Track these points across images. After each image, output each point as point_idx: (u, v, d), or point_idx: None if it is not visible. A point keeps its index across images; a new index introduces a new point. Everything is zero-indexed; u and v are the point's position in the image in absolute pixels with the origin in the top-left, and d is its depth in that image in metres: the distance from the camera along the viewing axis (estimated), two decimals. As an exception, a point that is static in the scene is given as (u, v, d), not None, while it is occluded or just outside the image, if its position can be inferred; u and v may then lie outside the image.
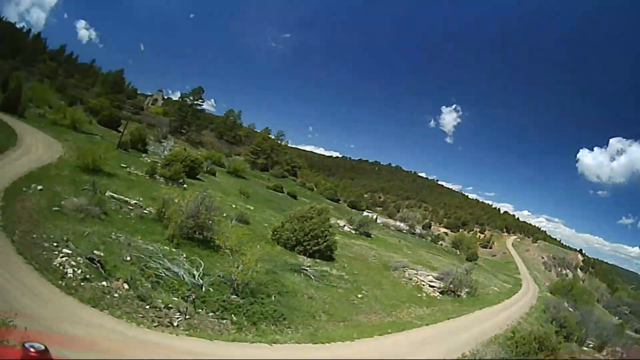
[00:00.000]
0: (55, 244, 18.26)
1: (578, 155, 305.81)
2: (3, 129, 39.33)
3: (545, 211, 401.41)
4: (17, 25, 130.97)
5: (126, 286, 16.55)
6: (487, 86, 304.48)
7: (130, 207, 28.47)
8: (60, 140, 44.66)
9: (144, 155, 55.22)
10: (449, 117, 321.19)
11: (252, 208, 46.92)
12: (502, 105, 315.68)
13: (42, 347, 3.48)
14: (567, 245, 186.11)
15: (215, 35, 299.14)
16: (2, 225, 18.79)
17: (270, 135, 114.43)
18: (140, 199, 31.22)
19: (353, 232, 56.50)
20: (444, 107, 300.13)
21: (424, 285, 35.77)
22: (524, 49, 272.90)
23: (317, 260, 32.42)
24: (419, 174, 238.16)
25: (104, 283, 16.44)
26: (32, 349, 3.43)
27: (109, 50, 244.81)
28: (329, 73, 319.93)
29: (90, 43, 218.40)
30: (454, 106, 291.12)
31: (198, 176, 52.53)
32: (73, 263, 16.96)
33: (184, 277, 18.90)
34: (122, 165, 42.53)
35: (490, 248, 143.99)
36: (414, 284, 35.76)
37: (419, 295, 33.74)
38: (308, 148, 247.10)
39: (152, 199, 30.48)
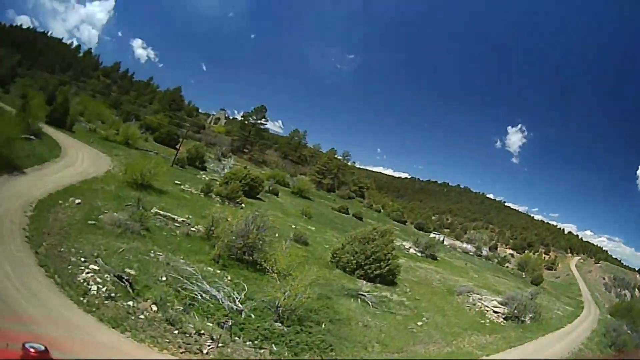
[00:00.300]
0: (82, 259, 18.07)
1: (638, 172, 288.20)
2: (45, 141, 41.63)
3: (606, 230, 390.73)
4: (67, 42, 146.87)
5: (155, 308, 15.68)
6: (550, 105, 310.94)
7: (177, 225, 28.39)
8: (110, 155, 46.82)
9: (201, 173, 57.18)
10: (515, 138, 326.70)
11: (313, 229, 47.29)
12: (564, 124, 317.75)
13: (42, 348, 3.83)
14: (627, 264, 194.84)
15: (278, 55, 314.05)
16: (29, 236, 19.02)
17: (336, 156, 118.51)
18: (190, 216, 31.23)
19: (419, 254, 58.09)
20: (509, 127, 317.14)
21: (487, 310, 36.61)
22: (585, 68, 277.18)
23: (378, 285, 32.58)
24: (487, 195, 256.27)
25: (130, 303, 15.71)
26: (32, 350, 3.76)
27: (170, 70, 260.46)
28: (395, 94, 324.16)
29: (149, 62, 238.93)
30: (519, 126, 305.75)
31: (259, 196, 53.53)
32: (99, 280, 16.55)
33: (222, 301, 17.76)
34: (176, 182, 43.97)
35: (555, 270, 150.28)
36: (477, 309, 36.60)
37: (482, 321, 34.06)
38: (377, 169, 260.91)
39: (203, 217, 30.27)
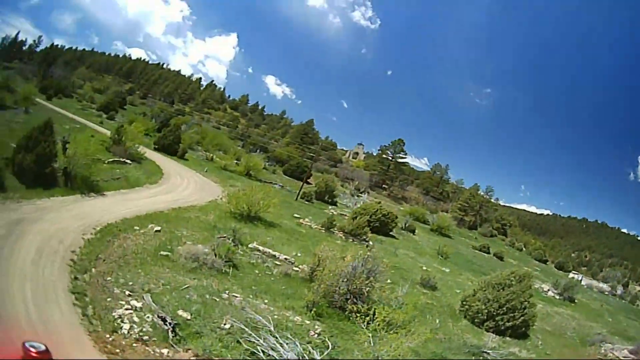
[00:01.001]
0: (128, 292, 16.69)
1: None
2: (145, 166, 43.76)
3: None
4: (191, 76, 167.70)
5: (194, 360, 13.19)
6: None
7: (278, 263, 26.49)
8: (224, 185, 47.74)
9: (330, 207, 58.11)
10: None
11: (447, 270, 46.74)
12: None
13: (43, 347, 4.20)
14: None
15: (415, 91, 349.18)
16: (75, 260, 18.43)
17: (479, 192, 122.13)
18: (298, 254, 29.71)
19: (557, 297, 57.19)
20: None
21: (618, 362, 36.23)
22: None
23: (507, 338, 30.89)
24: (622, 230, 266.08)
25: (165, 350, 13.65)
26: (32, 349, 4.11)
27: (309, 107, 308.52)
28: (531, 128, 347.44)
29: (286, 98, 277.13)
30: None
31: (392, 233, 53.64)
32: (135, 319, 14.92)
33: (288, 363, 14.63)
34: (295, 215, 44.16)
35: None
36: (608, 362, 36.36)
37: (611, 376, 33.01)
38: (521, 206, 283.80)
39: (315, 256, 28.13)
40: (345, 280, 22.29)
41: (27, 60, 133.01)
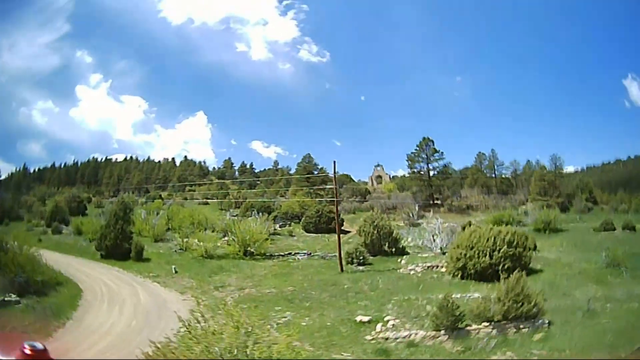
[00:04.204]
0: None
1: None
2: (49, 299, 24.02)
3: None
4: (179, 162, 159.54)
5: None
6: None
7: None
8: (202, 291, 26.81)
9: (400, 261, 36.12)
10: None
11: None
12: None
13: (41, 347, 4.24)
14: None
15: (395, 106, 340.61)
16: None
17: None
18: None
19: None
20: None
21: None
22: None
23: None
24: None
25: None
26: (31, 349, 4.14)
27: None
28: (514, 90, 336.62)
29: (282, 158, 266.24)
30: None
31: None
32: None
33: None
34: (361, 318, 20.97)
35: None
36: None
37: None
38: None
39: None
40: None
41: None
